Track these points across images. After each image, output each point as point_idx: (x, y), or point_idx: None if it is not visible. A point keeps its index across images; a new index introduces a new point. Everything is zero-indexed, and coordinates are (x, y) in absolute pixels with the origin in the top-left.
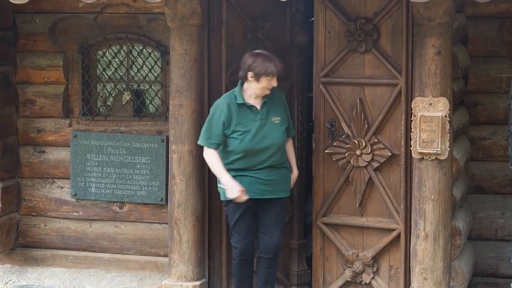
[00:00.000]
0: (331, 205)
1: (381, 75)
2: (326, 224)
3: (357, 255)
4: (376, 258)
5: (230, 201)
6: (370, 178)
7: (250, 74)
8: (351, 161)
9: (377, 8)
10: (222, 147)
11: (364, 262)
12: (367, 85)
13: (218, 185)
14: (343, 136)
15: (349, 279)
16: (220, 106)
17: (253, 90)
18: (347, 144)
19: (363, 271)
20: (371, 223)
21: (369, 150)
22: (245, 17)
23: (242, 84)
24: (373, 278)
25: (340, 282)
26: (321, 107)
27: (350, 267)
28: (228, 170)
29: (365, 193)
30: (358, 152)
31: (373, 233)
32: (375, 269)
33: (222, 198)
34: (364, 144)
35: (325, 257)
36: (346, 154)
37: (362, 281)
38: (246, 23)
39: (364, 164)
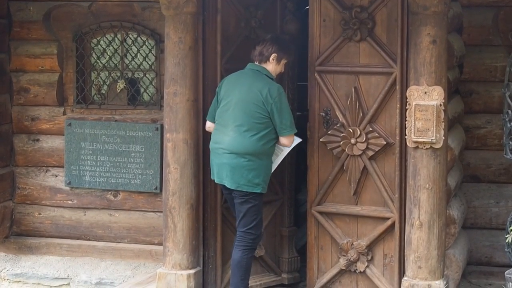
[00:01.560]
0: (325, 194)
1: (376, 63)
2: (321, 213)
3: (352, 244)
4: (370, 247)
5: (262, 194)
6: (365, 166)
7: (278, 57)
8: (346, 150)
9: None
10: (274, 136)
11: (358, 250)
12: (362, 74)
13: (256, 181)
14: (338, 125)
15: (344, 268)
16: (284, 93)
17: (275, 73)
18: (342, 132)
19: (358, 260)
20: (366, 211)
21: (364, 138)
22: (238, 5)
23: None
24: (367, 266)
25: (335, 270)
26: (316, 95)
27: (345, 256)
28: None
29: (360, 182)
30: (353, 140)
31: (368, 221)
32: (369, 257)
33: (264, 191)
34: (359, 132)
35: (319, 246)
36: (341, 143)
37: (356, 269)
38: (239, 11)
39: (359, 153)
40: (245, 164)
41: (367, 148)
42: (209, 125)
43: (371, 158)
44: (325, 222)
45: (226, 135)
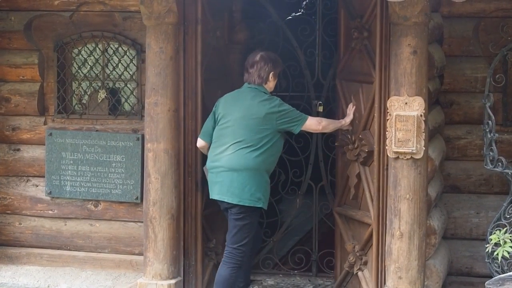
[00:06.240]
0: (342, 196)
1: (369, 73)
2: (339, 214)
3: (354, 247)
4: (364, 251)
5: (260, 210)
6: (359, 172)
7: (275, 73)
8: (347, 155)
9: (368, 7)
10: (275, 151)
11: (356, 254)
12: (364, 82)
13: (258, 195)
14: (345, 131)
15: (347, 269)
16: (282, 101)
17: (272, 89)
18: (347, 138)
19: (355, 263)
20: (361, 216)
21: (356, 145)
22: (209, 15)
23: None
24: (359, 269)
25: (344, 271)
26: (338, 101)
27: (349, 258)
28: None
29: (358, 187)
30: (350, 146)
31: (365, 227)
32: (363, 261)
33: (264, 206)
34: (353, 139)
35: (342, 245)
36: (344, 148)
37: (354, 271)
38: (209, 22)
39: (354, 159)
40: (244, 179)
41: (358, 154)
42: (202, 144)
43: (363, 164)
44: (341, 223)
45: (224, 153)
